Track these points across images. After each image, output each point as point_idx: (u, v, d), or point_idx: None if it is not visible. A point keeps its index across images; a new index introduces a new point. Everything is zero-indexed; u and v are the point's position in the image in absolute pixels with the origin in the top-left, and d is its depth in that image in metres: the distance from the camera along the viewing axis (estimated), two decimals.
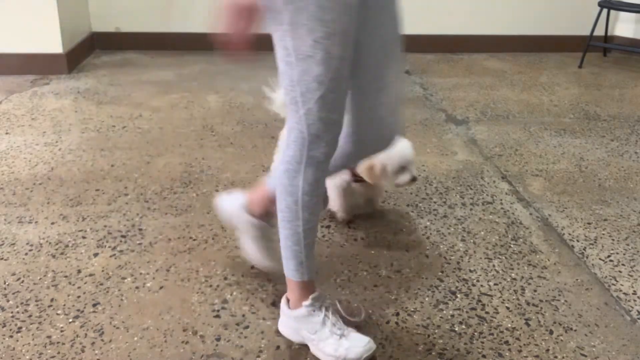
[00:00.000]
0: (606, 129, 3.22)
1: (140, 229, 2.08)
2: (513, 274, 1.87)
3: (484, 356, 1.52)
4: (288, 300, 1.53)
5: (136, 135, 2.94)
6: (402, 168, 1.95)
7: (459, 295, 1.76)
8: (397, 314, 1.67)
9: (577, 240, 2.08)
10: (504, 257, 1.96)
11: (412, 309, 1.69)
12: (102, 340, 1.54)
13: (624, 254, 2.00)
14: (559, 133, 3.13)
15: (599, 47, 4.87)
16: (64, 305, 1.67)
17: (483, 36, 4.94)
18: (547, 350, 1.55)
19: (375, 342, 1.55)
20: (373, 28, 1.37)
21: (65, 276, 1.80)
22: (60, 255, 1.91)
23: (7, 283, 1.76)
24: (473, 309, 1.70)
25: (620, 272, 1.90)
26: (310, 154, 1.35)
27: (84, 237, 2.02)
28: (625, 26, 4.99)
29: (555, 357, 1.53)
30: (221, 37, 1.30)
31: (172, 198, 2.31)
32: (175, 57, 4.53)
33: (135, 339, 1.55)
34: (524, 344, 1.57)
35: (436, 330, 1.61)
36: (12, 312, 1.64)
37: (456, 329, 1.62)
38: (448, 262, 1.93)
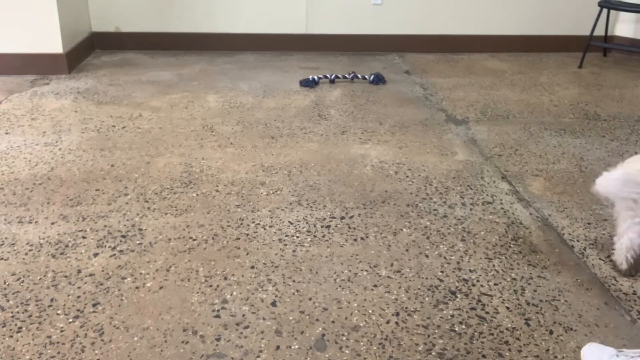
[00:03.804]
0: (606, 129, 3.22)
1: (140, 229, 2.08)
2: (513, 274, 1.87)
3: (484, 356, 1.52)
4: None
5: (136, 135, 2.94)
6: None
7: (459, 295, 1.76)
8: (397, 314, 1.67)
9: (577, 240, 2.08)
10: (504, 257, 1.97)
11: (412, 309, 1.69)
12: (102, 340, 1.54)
13: None
14: (559, 133, 3.14)
15: (599, 47, 4.87)
16: (64, 305, 1.67)
17: (483, 36, 4.95)
18: (547, 350, 1.55)
19: (375, 343, 1.55)
20: None
21: (65, 276, 1.81)
22: (60, 255, 1.92)
23: (7, 283, 1.77)
24: (473, 309, 1.70)
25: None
26: None
27: (84, 237, 2.02)
28: (625, 26, 4.99)
29: (555, 357, 1.53)
30: None
31: (172, 198, 2.31)
32: (175, 57, 4.53)
33: (135, 339, 1.55)
34: (524, 344, 1.57)
35: (436, 330, 1.61)
36: (12, 312, 1.64)
37: (456, 329, 1.62)
38: (448, 262, 1.93)
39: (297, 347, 1.53)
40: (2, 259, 1.89)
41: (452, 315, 1.67)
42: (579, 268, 1.92)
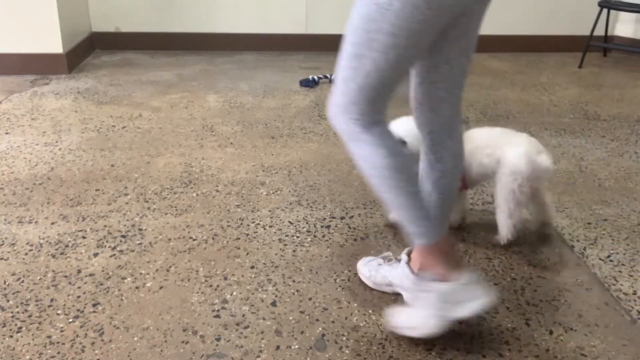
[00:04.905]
0: (606, 129, 3.22)
1: (140, 229, 2.08)
2: (513, 274, 1.87)
3: (484, 356, 1.52)
4: None
5: (136, 135, 2.94)
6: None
7: None
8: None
9: (577, 240, 2.08)
10: (504, 257, 1.96)
11: None
12: (102, 340, 1.54)
13: (624, 254, 2.00)
14: (559, 133, 3.13)
15: (599, 47, 4.87)
16: (64, 305, 1.67)
17: (483, 36, 4.91)
18: (547, 350, 1.55)
19: (375, 343, 1.55)
20: None
21: (65, 276, 1.81)
22: (60, 255, 1.92)
23: (7, 283, 1.77)
24: None
25: (620, 272, 1.90)
26: None
27: (84, 237, 2.02)
28: (625, 26, 4.99)
29: (555, 357, 1.53)
30: None
31: (172, 198, 2.31)
32: (175, 57, 4.53)
33: (135, 339, 1.55)
34: (524, 344, 1.57)
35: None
36: (12, 312, 1.64)
37: (456, 329, 1.62)
38: None
39: (297, 347, 1.53)
40: (2, 259, 1.89)
41: None
42: (579, 268, 1.92)
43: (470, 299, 1.47)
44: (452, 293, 1.47)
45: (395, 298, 1.73)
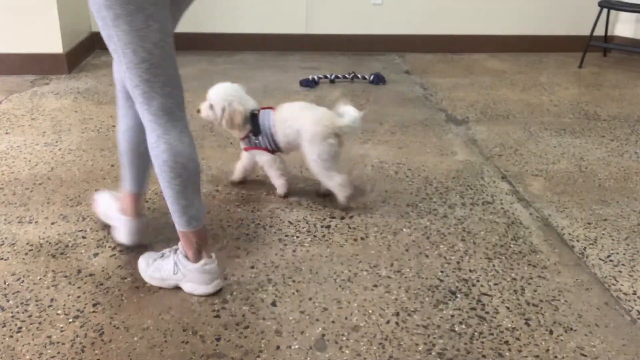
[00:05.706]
0: (606, 129, 3.22)
1: None
2: (513, 274, 1.87)
3: (484, 356, 1.52)
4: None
5: None
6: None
7: (459, 295, 1.76)
8: (397, 314, 1.67)
9: (577, 240, 2.08)
10: (504, 257, 1.97)
11: (412, 309, 1.69)
12: (102, 340, 1.54)
13: (624, 254, 2.00)
14: (559, 133, 3.14)
15: (599, 47, 4.87)
16: (64, 305, 1.67)
17: (483, 36, 4.95)
18: (547, 350, 1.55)
19: (375, 343, 1.55)
20: None
21: (65, 276, 1.81)
22: (60, 255, 1.92)
23: (7, 283, 1.77)
24: (473, 309, 1.70)
25: (620, 272, 1.90)
26: None
27: (84, 237, 2.02)
28: (625, 26, 4.99)
29: (555, 357, 1.53)
30: None
31: None
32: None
33: (135, 339, 1.55)
34: (524, 344, 1.57)
35: (436, 330, 1.61)
36: (12, 312, 1.64)
37: (456, 329, 1.62)
38: (448, 262, 1.93)
39: (297, 347, 1.53)
40: (2, 259, 1.89)
41: (452, 315, 1.67)
42: (579, 268, 1.92)
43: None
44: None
45: (396, 298, 1.73)
